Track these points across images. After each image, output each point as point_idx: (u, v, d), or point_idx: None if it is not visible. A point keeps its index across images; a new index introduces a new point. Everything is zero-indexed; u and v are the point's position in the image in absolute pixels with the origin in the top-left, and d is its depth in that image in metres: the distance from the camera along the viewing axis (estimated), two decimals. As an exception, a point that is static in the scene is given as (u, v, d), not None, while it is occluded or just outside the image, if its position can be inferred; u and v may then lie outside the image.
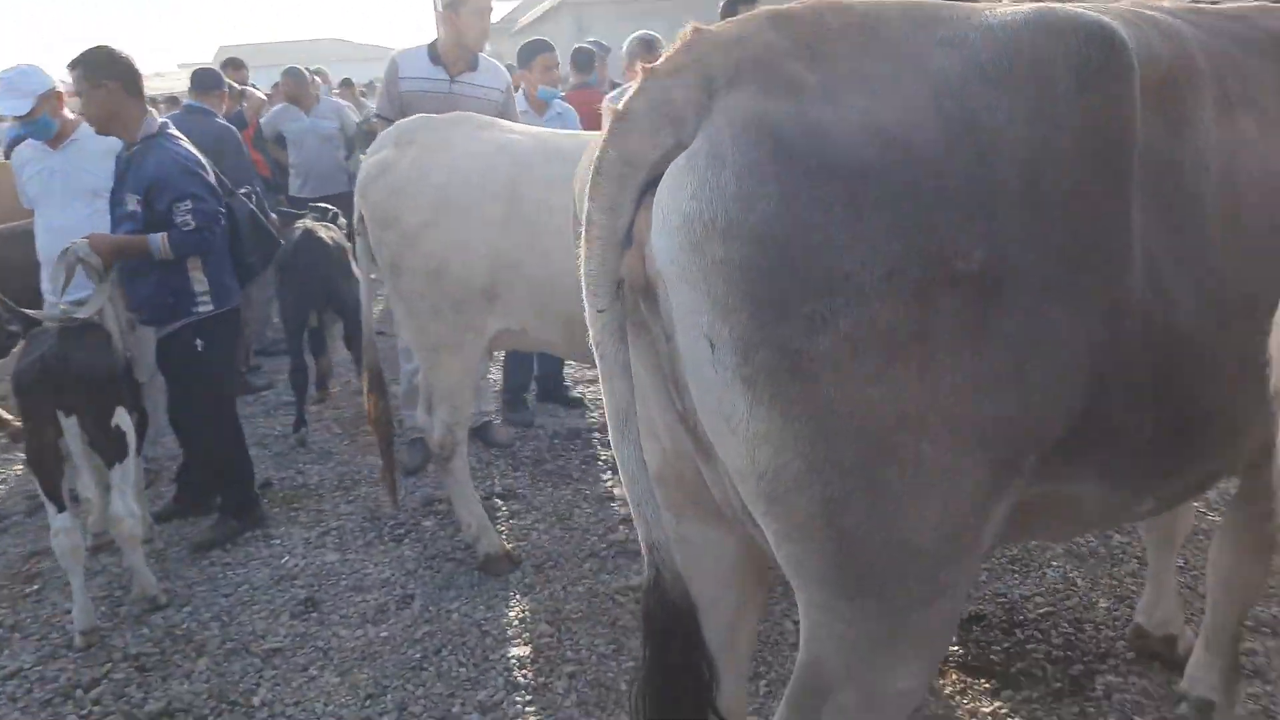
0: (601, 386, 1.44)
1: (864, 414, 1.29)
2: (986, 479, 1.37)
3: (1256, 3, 1.95)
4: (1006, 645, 2.79)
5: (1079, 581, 3.09)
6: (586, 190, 1.38)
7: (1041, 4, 1.48)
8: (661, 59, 1.39)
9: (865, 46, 1.36)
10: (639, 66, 1.42)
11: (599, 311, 1.38)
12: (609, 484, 4.21)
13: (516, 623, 3.15)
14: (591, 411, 5.18)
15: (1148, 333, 1.45)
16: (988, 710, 2.52)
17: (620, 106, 1.36)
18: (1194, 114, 1.53)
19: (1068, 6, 1.48)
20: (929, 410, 1.29)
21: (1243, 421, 1.65)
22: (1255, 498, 2.09)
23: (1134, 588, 3.01)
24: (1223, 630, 2.27)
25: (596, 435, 4.83)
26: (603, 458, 4.53)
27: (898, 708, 1.53)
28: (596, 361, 1.43)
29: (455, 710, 2.73)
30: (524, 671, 2.88)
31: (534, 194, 3.19)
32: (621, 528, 3.76)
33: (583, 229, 1.38)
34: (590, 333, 1.41)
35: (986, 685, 2.62)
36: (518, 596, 3.32)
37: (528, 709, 2.71)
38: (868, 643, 1.46)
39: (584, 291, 1.40)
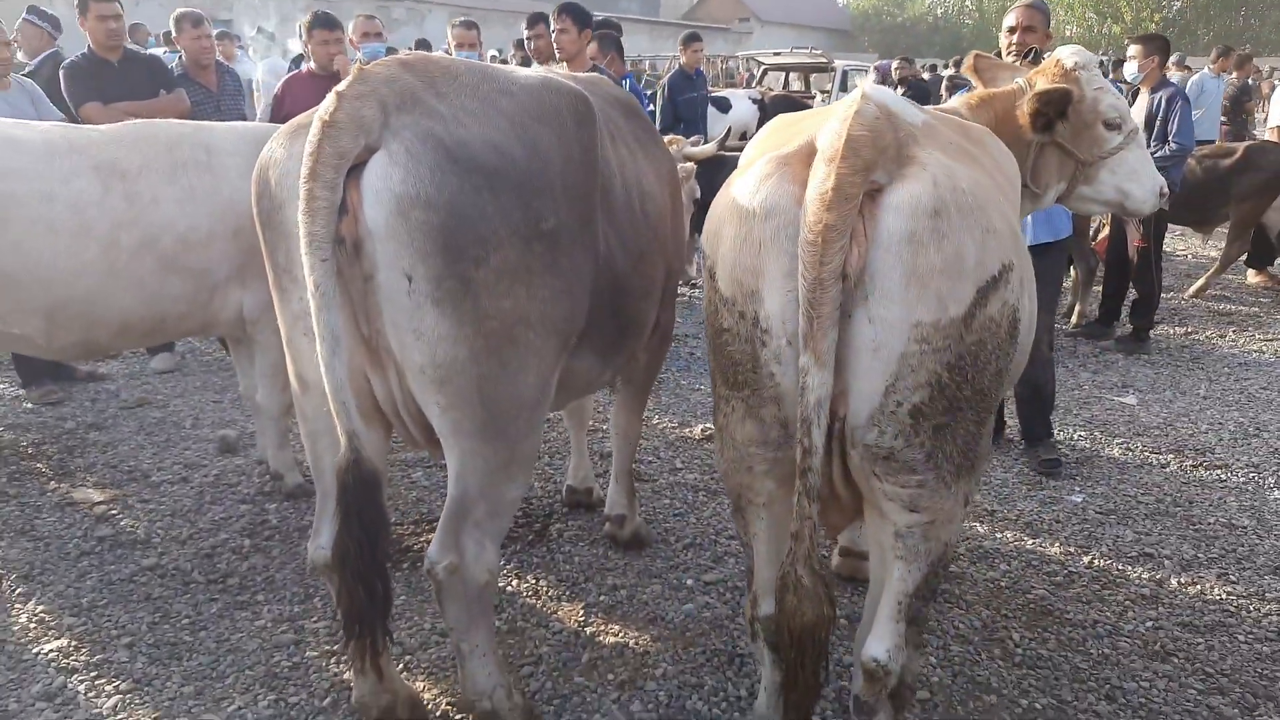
0: (314, 318, 1.97)
1: (501, 317, 2.11)
2: (556, 354, 2.31)
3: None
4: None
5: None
6: (304, 174, 1.91)
7: (542, 73, 2.46)
8: (345, 85, 1.99)
9: (460, 89, 2.17)
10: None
11: (323, 260, 1.94)
12: (60, 490, 4.01)
13: (33, 626, 3.04)
14: (-15, 430, 4.65)
15: (606, 270, 2.52)
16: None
17: (328, 118, 1.93)
18: (605, 143, 2.66)
19: (558, 77, 2.50)
20: (532, 313, 2.17)
21: (644, 325, 2.89)
22: (631, 378, 3.45)
23: (551, 469, 4.29)
24: (622, 467, 3.61)
25: (6, 450, 4.42)
26: (37, 469, 4.22)
27: (510, 510, 2.39)
28: (313, 300, 1.96)
29: (13, 707, 2.64)
30: (72, 658, 2.88)
31: (-1, 184, 3.07)
32: (103, 526, 3.72)
33: (304, 203, 1.91)
34: (312, 279, 1.94)
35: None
36: (17, 606, 3.15)
37: (98, 681, 2.77)
38: (496, 470, 2.27)
39: (306, 248, 1.93)
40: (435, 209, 1.97)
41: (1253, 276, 8.34)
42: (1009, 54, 4.14)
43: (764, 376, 1.94)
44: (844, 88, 17.57)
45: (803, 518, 1.88)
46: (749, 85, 17.36)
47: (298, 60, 6.62)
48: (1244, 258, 8.10)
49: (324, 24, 5.42)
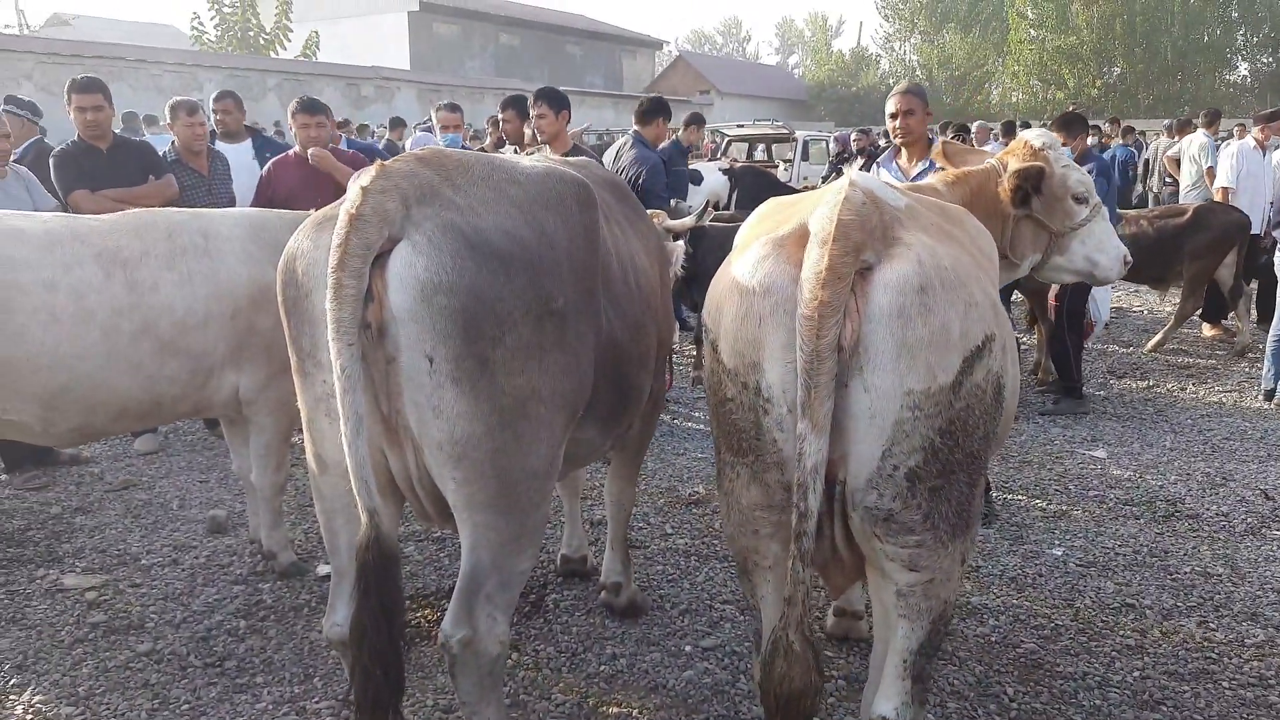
0: (340, 400, 2.05)
1: (515, 392, 2.21)
2: (565, 426, 2.40)
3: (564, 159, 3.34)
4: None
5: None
6: (332, 264, 2.01)
7: (546, 162, 2.61)
8: (368, 180, 2.11)
9: (474, 180, 2.30)
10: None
11: (349, 345, 2.03)
12: (50, 576, 3.98)
13: (29, 717, 3.00)
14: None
15: (607, 343, 2.63)
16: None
17: (355, 211, 2.04)
18: (601, 223, 2.79)
19: (559, 165, 2.64)
20: (544, 387, 2.27)
21: (642, 394, 3.00)
22: (625, 446, 3.54)
23: (544, 539, 4.31)
24: (617, 535, 3.67)
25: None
26: (24, 555, 4.18)
27: (520, 582, 2.44)
28: (339, 382, 2.04)
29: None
30: None
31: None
32: (95, 612, 3.69)
33: (332, 291, 2.01)
34: (339, 363, 2.03)
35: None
36: (11, 697, 3.11)
37: None
38: (508, 542, 2.34)
39: (333, 333, 2.02)
40: (456, 293, 2.08)
41: (1208, 330, 8.67)
42: (896, 138, 4.49)
43: (767, 443, 2.04)
44: (805, 156, 18.14)
45: (796, 582, 1.97)
46: (714, 156, 17.87)
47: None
48: (1199, 312, 8.43)
49: (307, 109, 5.58)
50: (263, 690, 3.18)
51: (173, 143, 5.91)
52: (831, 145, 17.87)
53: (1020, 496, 5.01)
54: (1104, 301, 6.71)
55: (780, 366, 1.98)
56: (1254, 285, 8.69)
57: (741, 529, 2.20)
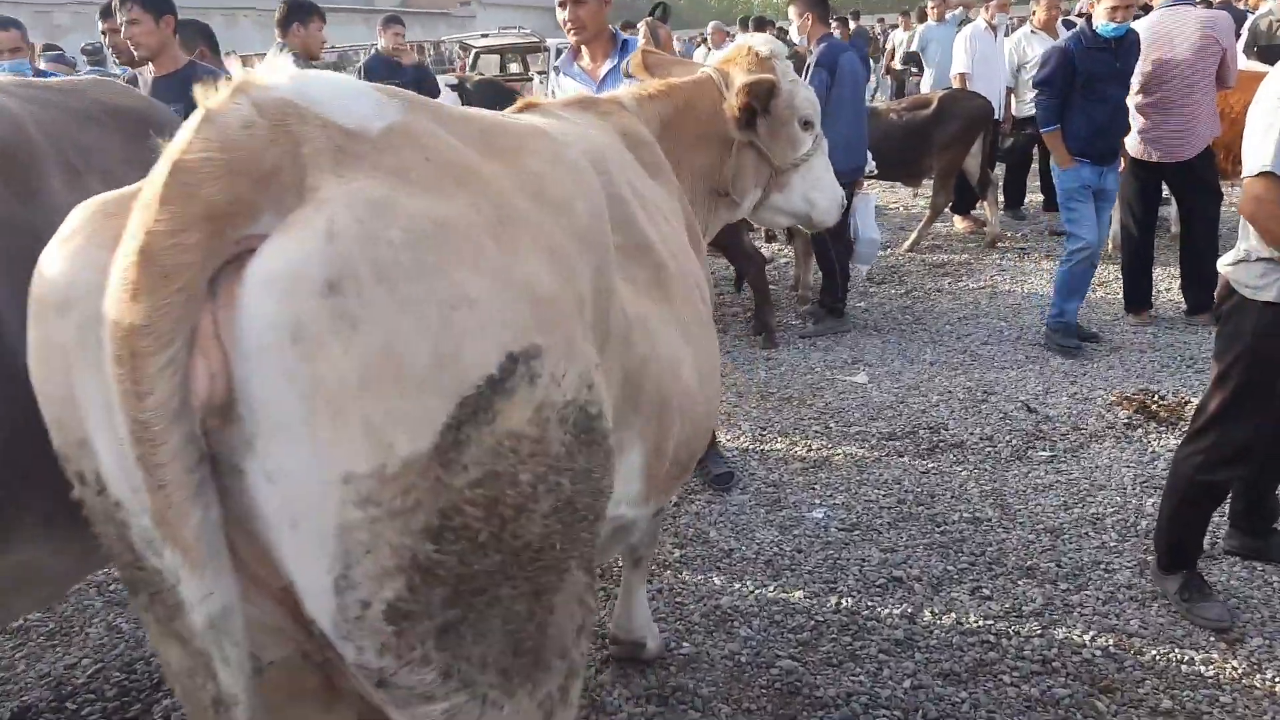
0: None
1: None
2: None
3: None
4: (57, 718, 2.70)
5: (124, 627, 3.16)
6: None
7: None
8: None
9: None
10: None
11: None
12: None
13: None
14: None
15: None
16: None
17: None
18: (42, 185, 1.69)
19: None
20: None
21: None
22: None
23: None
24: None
25: None
26: None
27: None
28: None
29: None
30: None
31: None
32: None
33: None
34: None
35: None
36: None
37: None
38: None
39: None
40: None
41: (959, 223, 8.51)
42: (568, 29, 3.55)
43: (150, 574, 1.08)
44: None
45: None
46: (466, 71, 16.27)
47: None
48: (949, 206, 8.21)
49: None
50: None
51: None
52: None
53: (779, 445, 4.39)
54: (865, 212, 6.02)
55: (112, 442, 1.02)
56: (998, 172, 8.59)
57: (188, 702, 1.25)
